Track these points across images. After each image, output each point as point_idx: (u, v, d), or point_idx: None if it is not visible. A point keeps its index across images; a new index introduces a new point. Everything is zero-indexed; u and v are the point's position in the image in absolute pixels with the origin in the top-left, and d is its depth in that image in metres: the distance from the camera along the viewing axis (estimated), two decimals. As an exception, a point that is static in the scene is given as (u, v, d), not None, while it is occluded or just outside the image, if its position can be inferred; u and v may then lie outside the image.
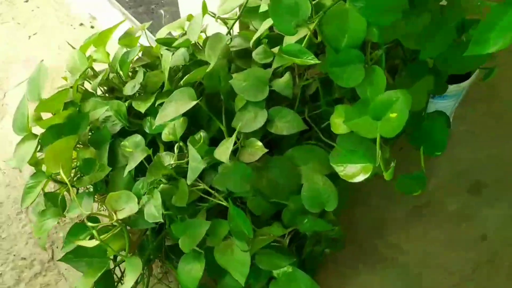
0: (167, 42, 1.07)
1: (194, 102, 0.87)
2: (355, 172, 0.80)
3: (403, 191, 0.86)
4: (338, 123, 0.87)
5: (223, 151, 0.82)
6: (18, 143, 1.03)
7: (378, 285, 1.22)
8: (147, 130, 0.97)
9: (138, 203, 0.87)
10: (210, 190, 0.88)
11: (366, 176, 0.78)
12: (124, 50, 1.07)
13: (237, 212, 0.84)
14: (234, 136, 0.87)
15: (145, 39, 1.13)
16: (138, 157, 0.86)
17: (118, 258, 0.94)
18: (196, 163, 0.80)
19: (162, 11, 1.77)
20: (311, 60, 0.78)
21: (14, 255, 1.31)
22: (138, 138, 0.94)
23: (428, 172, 0.86)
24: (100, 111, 0.95)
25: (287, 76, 0.91)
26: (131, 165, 0.86)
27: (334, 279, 1.21)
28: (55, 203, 1.03)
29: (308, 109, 0.95)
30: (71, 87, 1.11)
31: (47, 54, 1.76)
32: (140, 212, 0.88)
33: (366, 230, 1.28)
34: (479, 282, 1.21)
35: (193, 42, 0.97)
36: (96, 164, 0.93)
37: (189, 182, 0.81)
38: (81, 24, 1.85)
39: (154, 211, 0.83)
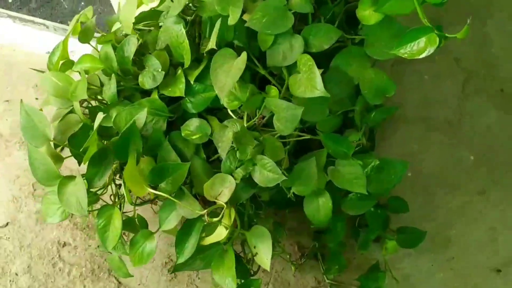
0: (150, 16, 0.99)
1: (241, 60, 0.83)
2: (421, 47, 0.83)
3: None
4: (369, 14, 0.89)
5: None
6: (60, 193, 0.93)
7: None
8: (192, 110, 0.91)
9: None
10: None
11: (434, 47, 0.82)
12: (104, 48, 0.96)
13: (332, 137, 0.86)
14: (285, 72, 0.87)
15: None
16: (227, 137, 0.82)
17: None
18: (292, 110, 0.79)
19: (58, -4, 1.56)
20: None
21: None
22: (198, 122, 0.89)
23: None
24: (142, 116, 0.87)
25: (301, -7, 0.88)
26: (225, 147, 0.82)
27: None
28: (138, 226, 0.97)
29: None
30: (70, 112, 1.00)
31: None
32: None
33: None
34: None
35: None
36: (168, 167, 0.88)
37: (288, 132, 0.81)
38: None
39: (269, 174, 0.82)
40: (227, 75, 0.83)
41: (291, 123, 0.80)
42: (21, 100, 0.98)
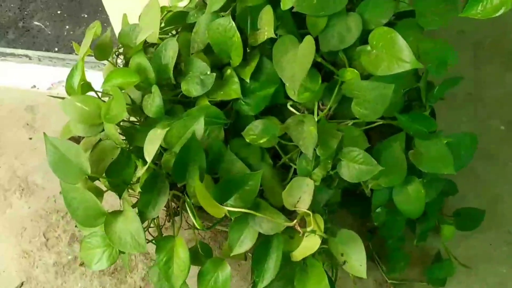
0: (176, 18, 0.88)
1: (308, 45, 0.73)
2: (496, 4, 0.76)
3: None
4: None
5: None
6: (109, 232, 0.80)
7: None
8: (250, 113, 0.81)
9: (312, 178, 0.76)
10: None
11: (509, 7, 0.75)
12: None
13: (412, 117, 0.78)
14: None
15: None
16: (309, 132, 0.71)
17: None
18: (381, 90, 0.69)
19: (37, 23, 1.41)
20: None
21: None
22: (261, 124, 0.78)
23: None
24: (199, 126, 0.76)
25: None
26: (309, 144, 0.71)
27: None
28: (202, 255, 0.85)
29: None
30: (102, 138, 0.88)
31: None
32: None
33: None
34: None
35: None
36: (238, 180, 0.76)
37: (376, 117, 0.71)
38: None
39: (362, 167, 0.72)
40: (295, 64, 0.73)
41: (381, 105, 0.71)
42: (44, 133, 0.84)
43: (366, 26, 0.80)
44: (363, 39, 0.81)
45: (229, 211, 0.72)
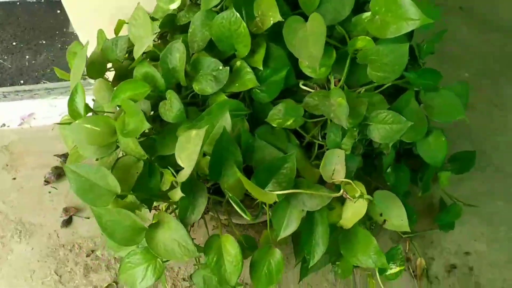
0: (168, 21, 0.88)
1: (317, 21, 0.75)
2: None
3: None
4: None
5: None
6: (152, 245, 0.79)
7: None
8: (267, 99, 0.82)
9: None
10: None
11: None
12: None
13: (417, 73, 0.82)
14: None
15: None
16: (339, 103, 0.73)
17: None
18: (398, 50, 0.73)
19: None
20: None
21: None
22: (283, 106, 0.79)
23: None
24: (227, 119, 0.76)
25: None
26: (342, 114, 0.72)
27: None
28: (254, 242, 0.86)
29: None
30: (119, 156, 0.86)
31: None
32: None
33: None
34: None
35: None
36: (275, 164, 0.78)
37: (395, 77, 0.75)
38: None
39: (393, 126, 0.75)
40: (308, 42, 0.75)
41: (400, 65, 0.74)
42: (61, 162, 0.81)
43: (358, -4, 0.84)
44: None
45: (278, 195, 0.73)
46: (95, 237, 1.28)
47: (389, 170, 1.06)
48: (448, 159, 1.28)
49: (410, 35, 0.89)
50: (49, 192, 1.32)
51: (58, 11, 1.44)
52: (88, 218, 1.30)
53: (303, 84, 0.84)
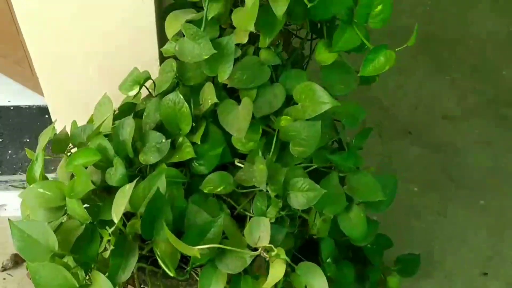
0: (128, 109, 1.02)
1: (247, 103, 0.89)
2: (382, 63, 0.98)
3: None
4: (325, 56, 1.04)
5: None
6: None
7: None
8: (205, 171, 0.92)
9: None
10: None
11: (392, 64, 0.97)
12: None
13: (340, 155, 0.94)
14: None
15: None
16: (260, 168, 0.82)
17: None
18: (313, 127, 0.85)
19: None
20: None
21: None
22: (217, 175, 0.89)
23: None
24: (162, 182, 0.85)
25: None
26: (262, 178, 0.82)
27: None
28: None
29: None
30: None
31: None
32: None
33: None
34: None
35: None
36: (205, 226, 0.84)
37: (311, 151, 0.86)
38: None
39: (309, 194, 0.84)
40: (238, 119, 0.88)
41: (314, 140, 0.86)
42: (9, 219, 0.88)
43: (288, 92, 0.99)
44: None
45: (200, 252, 0.79)
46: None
47: (329, 260, 1.10)
48: (394, 261, 1.32)
49: (331, 125, 1.02)
50: (4, 279, 1.33)
51: (46, 116, 1.61)
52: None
53: (238, 162, 0.94)
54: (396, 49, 0.95)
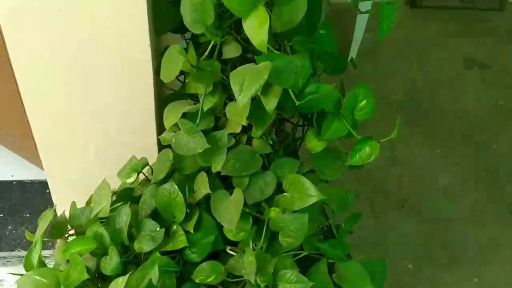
0: (125, 194, 1.06)
1: (238, 194, 0.94)
2: (368, 153, 1.03)
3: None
4: (315, 144, 1.10)
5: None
6: None
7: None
8: (197, 259, 0.95)
9: None
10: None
11: (378, 154, 1.02)
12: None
13: (328, 243, 0.97)
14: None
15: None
16: (249, 260, 0.85)
17: None
18: (300, 219, 0.89)
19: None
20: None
21: None
22: (208, 265, 0.92)
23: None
24: (155, 273, 0.87)
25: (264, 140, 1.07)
26: (251, 270, 0.85)
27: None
28: None
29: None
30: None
31: None
32: None
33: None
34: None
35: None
36: None
37: (299, 242, 0.89)
38: None
39: (297, 285, 0.86)
40: (229, 210, 0.92)
41: (301, 231, 0.89)
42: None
43: (279, 179, 1.04)
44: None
45: None
46: None
47: None
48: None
49: (320, 211, 1.06)
50: None
51: (47, 191, 1.65)
52: None
53: (230, 249, 0.98)
54: (381, 140, 1.01)
